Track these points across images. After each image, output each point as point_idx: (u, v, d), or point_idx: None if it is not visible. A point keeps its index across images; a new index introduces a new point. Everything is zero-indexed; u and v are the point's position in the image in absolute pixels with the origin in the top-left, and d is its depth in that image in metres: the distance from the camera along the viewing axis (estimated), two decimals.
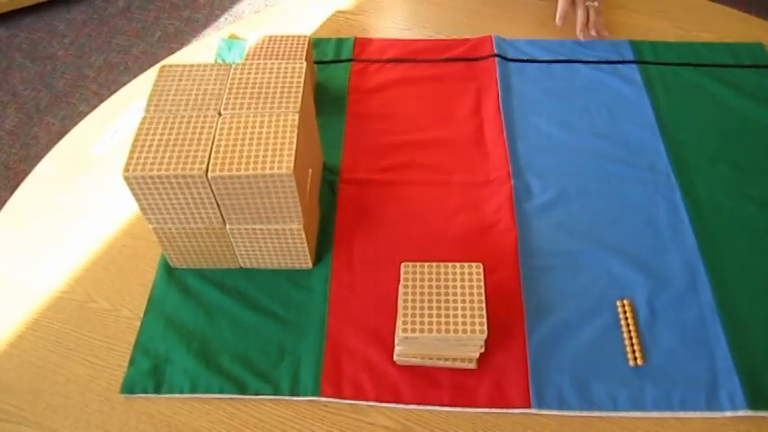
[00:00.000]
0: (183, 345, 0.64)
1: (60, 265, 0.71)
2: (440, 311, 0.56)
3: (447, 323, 0.55)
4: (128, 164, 0.57)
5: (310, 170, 0.67)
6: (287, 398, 0.60)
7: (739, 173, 0.76)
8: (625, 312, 0.64)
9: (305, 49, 0.78)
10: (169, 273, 0.69)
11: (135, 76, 1.79)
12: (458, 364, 0.61)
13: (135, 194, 0.59)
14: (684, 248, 0.69)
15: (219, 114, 0.61)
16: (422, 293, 0.57)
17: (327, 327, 0.65)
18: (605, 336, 0.63)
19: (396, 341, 0.59)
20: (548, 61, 0.89)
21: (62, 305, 0.68)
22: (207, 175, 0.56)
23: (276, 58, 0.77)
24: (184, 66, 0.65)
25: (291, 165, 0.56)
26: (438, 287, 0.57)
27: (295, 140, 0.58)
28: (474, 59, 0.90)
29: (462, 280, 0.57)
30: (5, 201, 0.79)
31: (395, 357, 0.61)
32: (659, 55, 0.90)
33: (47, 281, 0.70)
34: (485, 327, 0.55)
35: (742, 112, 0.82)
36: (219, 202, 0.60)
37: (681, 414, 0.59)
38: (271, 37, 0.80)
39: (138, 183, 0.57)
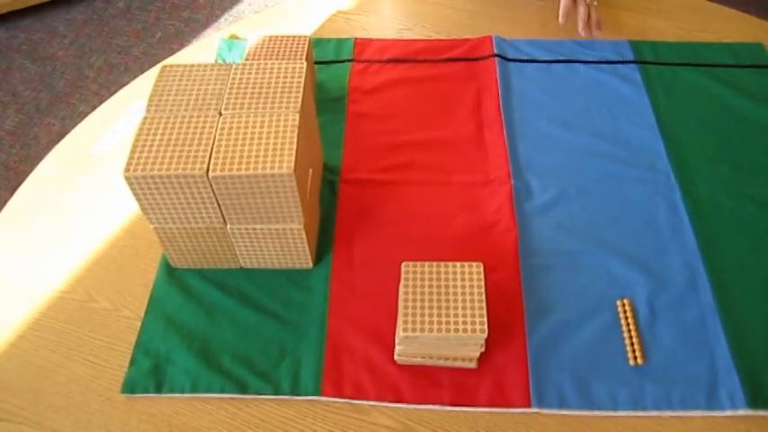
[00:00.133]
0: (184, 344, 0.64)
1: (61, 265, 0.71)
2: (440, 311, 0.56)
3: (447, 322, 0.55)
4: (128, 164, 0.57)
5: (311, 170, 0.67)
6: (288, 397, 0.61)
7: (739, 173, 0.76)
8: (625, 312, 0.65)
9: (305, 50, 0.78)
10: (170, 273, 0.69)
11: (135, 77, 1.79)
12: (458, 364, 0.61)
13: (136, 194, 0.59)
14: (684, 248, 0.70)
15: (220, 114, 0.61)
16: (422, 293, 0.57)
17: (328, 326, 0.65)
18: (605, 335, 0.63)
19: (396, 340, 0.59)
20: (548, 61, 0.90)
21: (63, 305, 0.68)
22: (208, 175, 0.56)
23: (276, 59, 0.77)
24: (185, 66, 0.65)
25: (292, 165, 0.56)
26: (438, 287, 0.57)
27: (295, 140, 0.58)
28: (474, 59, 0.90)
29: (463, 279, 0.58)
30: (6, 201, 0.79)
31: (395, 357, 0.61)
32: (659, 55, 0.90)
33: (47, 281, 0.70)
34: (485, 326, 0.55)
35: (742, 112, 0.83)
36: (220, 202, 0.60)
37: (681, 413, 0.59)
38: (271, 37, 0.80)
39: (138, 183, 0.57)
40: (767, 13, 1.95)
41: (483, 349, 0.58)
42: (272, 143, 0.58)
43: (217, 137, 0.59)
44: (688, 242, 0.70)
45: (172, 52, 1.93)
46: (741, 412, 0.58)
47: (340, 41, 0.93)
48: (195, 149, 0.58)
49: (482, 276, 0.58)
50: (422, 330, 0.55)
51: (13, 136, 1.74)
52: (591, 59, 0.89)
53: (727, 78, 0.86)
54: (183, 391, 0.61)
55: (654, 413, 0.59)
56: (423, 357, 0.60)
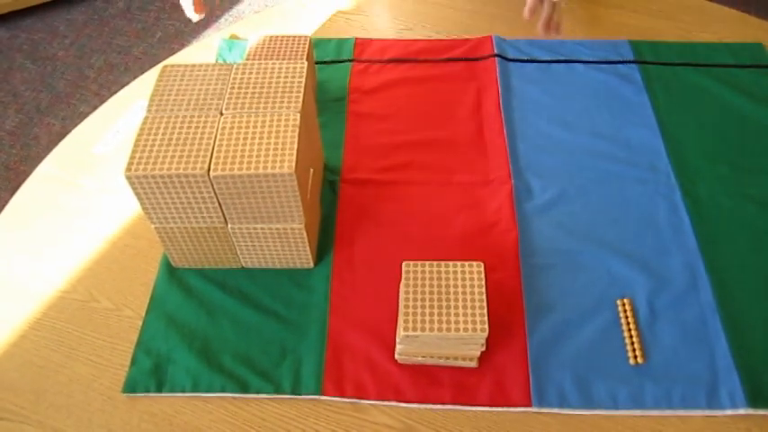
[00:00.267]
0: (185, 344, 0.64)
1: (62, 264, 0.71)
2: (441, 310, 0.56)
3: (448, 322, 0.55)
4: (130, 163, 0.57)
5: (312, 170, 0.67)
6: (289, 397, 0.61)
7: (739, 172, 0.76)
8: (625, 311, 0.65)
9: (306, 50, 0.78)
10: (171, 272, 0.69)
11: (135, 77, 1.79)
12: (459, 363, 0.61)
13: (137, 194, 0.59)
14: (685, 248, 0.70)
15: (221, 114, 0.61)
16: (423, 292, 0.57)
17: (329, 326, 0.65)
18: (606, 334, 0.63)
19: (397, 340, 0.60)
20: (548, 61, 0.90)
21: (64, 305, 0.68)
22: (209, 175, 0.56)
23: (277, 59, 0.77)
24: (186, 66, 0.66)
25: (293, 164, 0.56)
26: (439, 286, 0.57)
27: (296, 140, 0.58)
28: (474, 59, 0.90)
29: (463, 279, 0.58)
30: (6, 201, 0.79)
31: (396, 356, 0.62)
32: (659, 55, 0.90)
33: (49, 281, 0.70)
34: (486, 325, 0.55)
35: (742, 112, 0.83)
36: (221, 202, 0.60)
37: (681, 412, 0.59)
38: (271, 37, 0.80)
39: (140, 182, 0.57)
40: (767, 13, 1.95)
41: (483, 348, 0.58)
42: (272, 143, 0.58)
43: (218, 136, 0.59)
44: (688, 242, 0.70)
45: (172, 52, 1.93)
46: (741, 411, 0.58)
47: (340, 41, 0.93)
48: (196, 149, 0.58)
49: (483, 276, 0.58)
50: (422, 330, 0.55)
51: (13, 136, 1.74)
52: (591, 59, 0.89)
53: (728, 78, 0.86)
54: (183, 391, 0.61)
55: (654, 412, 0.59)
56: (423, 357, 0.60)
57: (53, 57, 1.95)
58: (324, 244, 0.71)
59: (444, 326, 0.55)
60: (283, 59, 0.76)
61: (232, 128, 0.59)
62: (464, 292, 0.57)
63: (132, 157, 0.57)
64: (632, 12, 0.98)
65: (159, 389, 0.61)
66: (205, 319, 0.66)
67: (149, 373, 0.62)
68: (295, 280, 0.68)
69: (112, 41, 1.99)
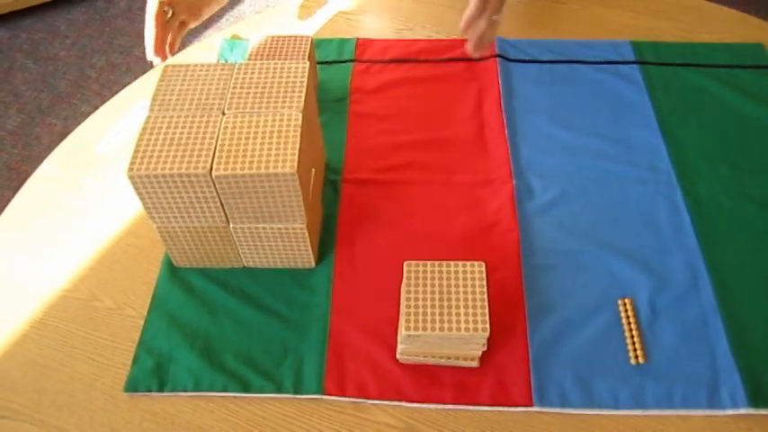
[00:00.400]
0: (187, 343, 0.64)
1: (64, 264, 0.71)
2: (442, 310, 0.56)
3: (450, 321, 0.55)
4: (132, 163, 0.57)
5: (313, 170, 0.68)
6: (290, 396, 0.61)
7: (740, 173, 0.76)
8: (626, 311, 0.65)
9: (307, 50, 0.79)
10: (173, 272, 0.69)
11: (137, 77, 1.79)
12: (460, 363, 0.61)
13: (139, 193, 0.59)
14: (685, 248, 0.70)
15: (223, 114, 0.61)
16: (424, 292, 0.57)
17: (330, 325, 0.65)
18: (607, 334, 0.64)
19: (399, 339, 0.60)
20: (549, 62, 0.90)
21: (66, 304, 0.68)
22: (211, 174, 0.57)
23: (279, 59, 0.78)
24: (188, 66, 0.66)
25: (295, 164, 0.56)
26: (440, 285, 0.57)
27: (298, 140, 0.58)
28: (475, 59, 0.90)
29: (465, 278, 0.58)
30: (8, 201, 0.79)
31: (398, 356, 0.62)
32: (660, 55, 0.90)
33: (51, 280, 0.70)
34: (487, 325, 0.55)
35: (742, 113, 0.83)
36: (223, 201, 0.60)
37: (682, 412, 0.59)
38: (273, 37, 0.80)
39: (142, 182, 0.57)
40: (767, 13, 1.96)
41: (485, 348, 0.58)
42: (274, 143, 0.58)
43: (220, 136, 0.59)
44: (689, 242, 0.70)
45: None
46: (742, 411, 0.58)
47: (342, 41, 0.94)
48: (198, 149, 0.58)
49: (484, 276, 0.58)
50: (424, 329, 0.55)
51: (14, 136, 1.75)
52: (592, 60, 0.89)
53: (728, 79, 0.87)
54: (185, 390, 0.61)
55: (655, 412, 0.59)
56: (425, 356, 0.61)
57: (54, 57, 1.95)
58: (325, 244, 0.71)
59: (446, 325, 0.55)
60: (285, 59, 0.76)
61: (234, 127, 0.60)
62: (465, 292, 0.57)
63: (134, 157, 0.57)
64: (633, 12, 0.98)
65: (161, 388, 0.61)
66: (207, 318, 0.66)
67: (151, 373, 0.62)
68: (297, 279, 0.68)
69: (114, 41, 1.99)
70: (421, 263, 0.59)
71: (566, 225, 0.72)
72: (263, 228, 0.63)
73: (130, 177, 0.57)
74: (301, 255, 0.67)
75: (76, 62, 1.93)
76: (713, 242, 0.70)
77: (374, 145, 0.81)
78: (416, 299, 0.57)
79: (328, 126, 0.83)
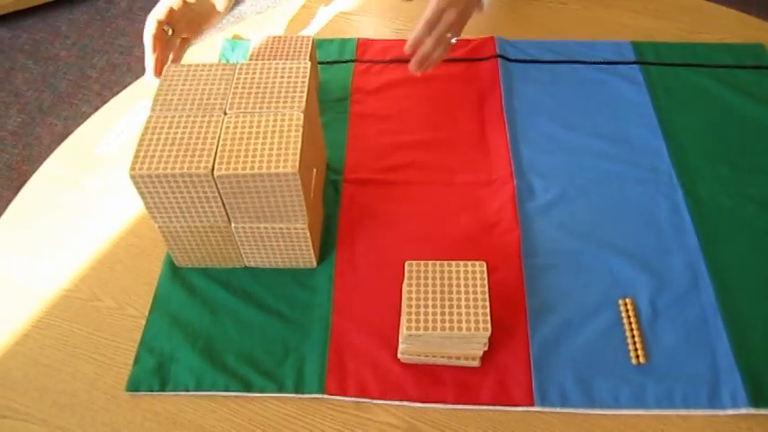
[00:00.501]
0: (189, 343, 0.64)
1: (65, 264, 0.72)
2: (443, 309, 0.56)
3: (451, 321, 0.55)
4: (134, 162, 0.57)
5: (314, 170, 0.68)
6: (292, 396, 0.61)
7: (740, 173, 0.76)
8: (627, 311, 0.65)
9: (309, 50, 0.79)
10: (174, 272, 0.70)
11: (138, 77, 1.79)
12: (461, 362, 0.61)
13: (141, 193, 0.59)
14: (686, 248, 0.70)
15: (225, 114, 0.61)
16: (425, 291, 0.57)
17: (332, 325, 0.65)
18: (607, 334, 0.64)
19: (400, 339, 0.60)
20: (550, 62, 0.90)
21: (68, 304, 0.68)
22: (213, 174, 0.57)
23: (280, 59, 0.78)
24: (189, 66, 0.66)
25: (296, 164, 0.56)
26: (442, 285, 0.58)
27: (300, 140, 0.58)
28: (476, 60, 0.90)
29: (466, 278, 0.58)
30: (9, 201, 0.79)
31: (399, 355, 0.62)
32: (661, 56, 0.90)
33: (52, 280, 0.70)
34: (488, 324, 0.55)
35: (743, 113, 0.83)
36: (225, 201, 0.60)
37: (683, 411, 0.59)
38: (274, 37, 0.80)
39: (144, 181, 0.58)
40: (767, 13, 1.96)
41: (486, 348, 0.58)
42: (276, 142, 0.58)
43: (221, 136, 0.59)
44: (689, 242, 0.70)
45: None
46: (743, 411, 0.59)
47: (343, 42, 0.94)
48: (200, 149, 0.58)
49: (485, 275, 0.58)
50: (425, 329, 0.55)
51: (15, 136, 1.75)
52: (593, 60, 0.90)
53: (728, 79, 0.87)
54: (187, 389, 0.61)
55: (656, 411, 0.59)
56: (426, 356, 0.61)
57: (55, 57, 1.95)
58: (327, 243, 0.71)
59: (447, 325, 0.55)
60: (286, 59, 0.76)
61: (236, 127, 0.60)
62: (467, 292, 0.57)
63: (136, 157, 0.58)
64: (633, 12, 0.98)
65: (162, 387, 0.61)
66: (208, 318, 0.66)
67: (153, 372, 0.62)
68: (298, 279, 0.69)
69: (115, 42, 1.99)
70: (422, 262, 0.59)
71: (566, 225, 0.72)
72: (265, 228, 0.63)
73: (132, 177, 0.57)
74: (303, 255, 0.67)
75: (77, 62, 1.93)
76: (714, 242, 0.70)
77: (375, 145, 0.81)
78: (418, 298, 0.57)
79: (329, 126, 0.83)
